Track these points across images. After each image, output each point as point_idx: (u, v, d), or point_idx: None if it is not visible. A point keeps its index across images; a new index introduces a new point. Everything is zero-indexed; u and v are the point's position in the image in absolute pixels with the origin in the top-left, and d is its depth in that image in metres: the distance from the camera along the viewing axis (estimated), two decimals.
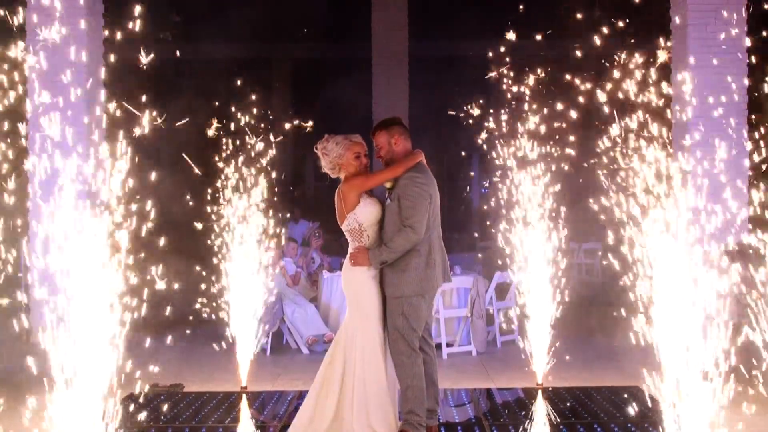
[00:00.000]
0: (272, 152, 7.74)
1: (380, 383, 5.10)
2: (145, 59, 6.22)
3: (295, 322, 8.78)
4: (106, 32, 8.24)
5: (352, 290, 5.26)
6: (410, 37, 12.78)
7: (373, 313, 5.19)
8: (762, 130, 6.85)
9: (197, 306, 8.52)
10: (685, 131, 7.83)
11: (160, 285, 6.36)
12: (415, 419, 5.12)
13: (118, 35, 6.24)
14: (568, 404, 6.37)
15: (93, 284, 4.45)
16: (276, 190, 7.72)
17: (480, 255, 12.05)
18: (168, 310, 9.32)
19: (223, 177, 7.05)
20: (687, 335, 4.36)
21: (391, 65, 12.74)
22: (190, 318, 9.33)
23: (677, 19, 8.16)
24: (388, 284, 5.17)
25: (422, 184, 5.11)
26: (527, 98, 7.73)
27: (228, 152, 7.19)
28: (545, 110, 7.31)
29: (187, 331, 9.09)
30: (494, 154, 7.36)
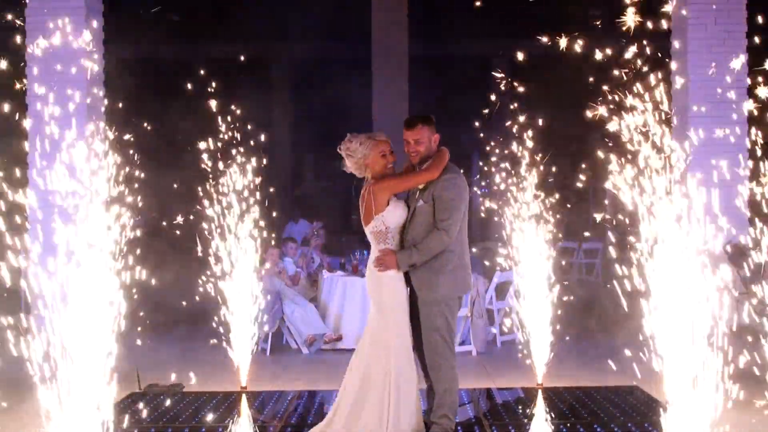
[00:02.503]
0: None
1: (412, 384, 5.03)
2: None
3: (295, 322, 8.77)
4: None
5: (383, 293, 5.10)
6: (410, 37, 12.77)
7: (403, 314, 5.09)
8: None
9: (197, 306, 8.53)
10: (686, 127, 7.85)
11: (159, 284, 6.38)
12: (448, 423, 5.08)
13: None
14: (568, 404, 6.37)
15: (92, 282, 4.45)
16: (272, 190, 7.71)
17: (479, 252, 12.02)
18: (167, 310, 9.35)
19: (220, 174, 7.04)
20: (687, 334, 4.36)
21: (391, 65, 12.73)
22: (190, 318, 9.35)
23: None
24: (423, 286, 5.06)
25: (460, 187, 5.02)
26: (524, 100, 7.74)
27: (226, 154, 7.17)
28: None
29: (176, 343, 9.09)
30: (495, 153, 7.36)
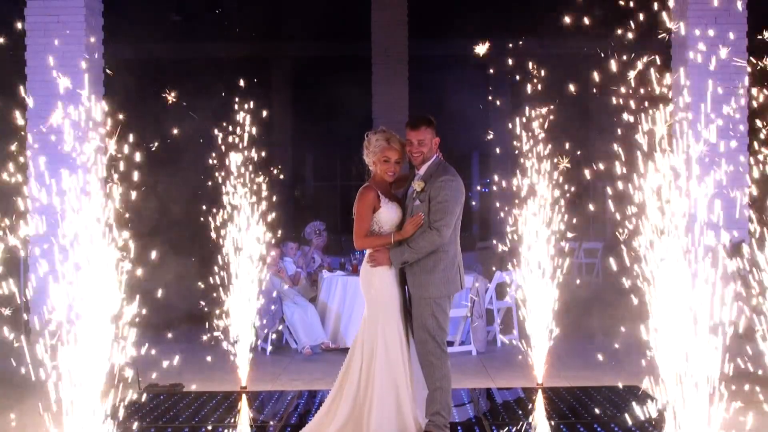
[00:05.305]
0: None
1: (403, 382, 5.08)
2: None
3: (295, 325, 8.75)
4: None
5: (373, 289, 5.20)
6: (410, 37, 12.77)
7: (395, 312, 5.16)
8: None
9: (197, 305, 8.53)
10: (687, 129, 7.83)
11: (159, 284, 6.36)
12: (441, 421, 5.12)
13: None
14: (568, 404, 6.37)
15: (93, 282, 4.45)
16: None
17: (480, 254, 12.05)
18: (167, 310, 9.34)
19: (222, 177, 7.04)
20: (688, 334, 4.36)
21: (391, 65, 12.73)
22: (190, 318, 9.35)
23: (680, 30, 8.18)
24: (415, 285, 5.14)
25: (456, 189, 5.08)
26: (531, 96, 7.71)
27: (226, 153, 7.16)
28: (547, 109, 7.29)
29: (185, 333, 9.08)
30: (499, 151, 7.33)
